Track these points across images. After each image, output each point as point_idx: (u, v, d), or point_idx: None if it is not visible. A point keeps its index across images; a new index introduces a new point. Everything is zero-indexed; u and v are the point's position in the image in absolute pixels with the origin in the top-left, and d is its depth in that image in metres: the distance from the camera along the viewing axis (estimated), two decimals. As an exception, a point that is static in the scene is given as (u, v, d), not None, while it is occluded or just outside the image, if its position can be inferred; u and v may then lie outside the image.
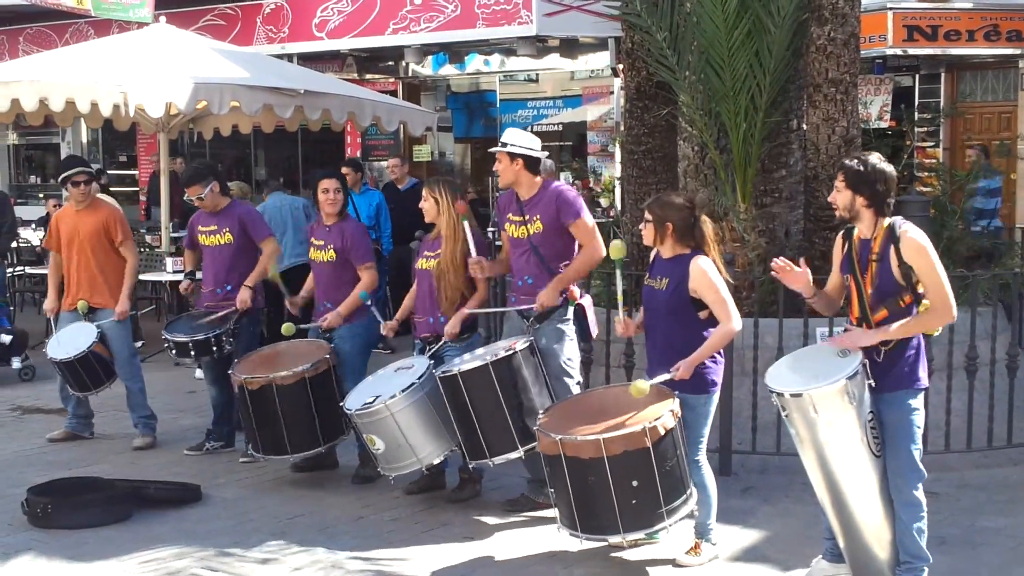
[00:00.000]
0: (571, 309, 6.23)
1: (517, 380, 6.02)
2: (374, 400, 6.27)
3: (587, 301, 6.35)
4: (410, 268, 8.52)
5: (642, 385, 5.20)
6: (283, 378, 6.72)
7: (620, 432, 5.13)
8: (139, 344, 10.38)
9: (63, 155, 20.74)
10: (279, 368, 6.80)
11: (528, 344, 6.10)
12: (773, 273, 5.16)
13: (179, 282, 8.76)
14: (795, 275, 5.06)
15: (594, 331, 6.46)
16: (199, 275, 8.04)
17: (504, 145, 6.29)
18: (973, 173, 10.74)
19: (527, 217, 6.28)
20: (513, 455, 6.05)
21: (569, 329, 6.28)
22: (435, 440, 6.32)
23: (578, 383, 6.33)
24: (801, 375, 4.90)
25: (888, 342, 4.85)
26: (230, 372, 7.04)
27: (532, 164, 6.30)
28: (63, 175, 7.97)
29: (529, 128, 16.82)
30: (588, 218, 6.25)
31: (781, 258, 5.12)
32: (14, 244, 14.22)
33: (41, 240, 14.65)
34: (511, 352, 6.02)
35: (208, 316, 7.53)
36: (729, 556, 5.67)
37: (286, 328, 7.08)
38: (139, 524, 6.25)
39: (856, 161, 4.91)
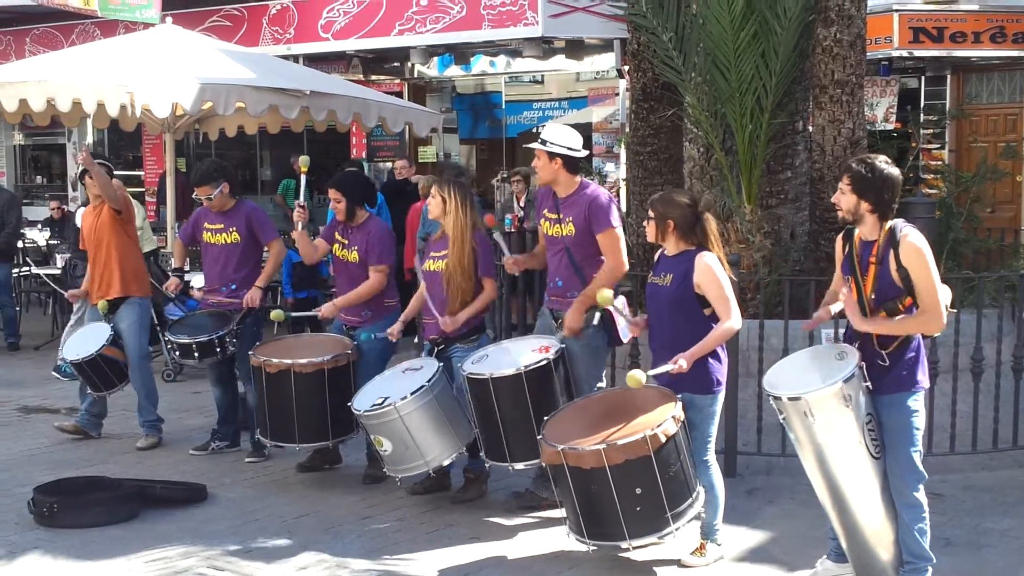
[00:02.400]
0: (598, 315, 6.11)
1: (546, 389, 5.99)
2: (383, 401, 6.26)
3: (619, 303, 6.12)
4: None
5: (638, 375, 5.18)
6: (302, 366, 6.73)
7: (621, 442, 5.13)
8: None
9: (69, 157, 20.81)
10: (300, 356, 6.81)
11: (559, 352, 6.06)
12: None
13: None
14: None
15: (625, 336, 6.23)
16: (188, 276, 8.07)
17: (544, 143, 6.16)
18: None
19: (562, 216, 6.20)
20: (535, 462, 6.01)
21: (596, 336, 6.18)
22: (443, 443, 6.32)
23: (599, 389, 6.30)
24: (799, 378, 4.91)
25: (889, 345, 4.85)
26: (250, 353, 7.04)
27: (571, 164, 6.19)
28: (82, 168, 8.06)
29: (535, 130, 16.85)
30: (618, 230, 6.14)
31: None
32: (20, 244, 14.25)
33: (47, 240, 14.74)
34: (544, 361, 5.98)
35: (213, 315, 7.56)
36: (734, 557, 5.68)
37: (276, 314, 7.14)
38: (145, 523, 6.26)
39: (863, 166, 4.86)
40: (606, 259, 6.13)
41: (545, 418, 5.68)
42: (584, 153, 6.28)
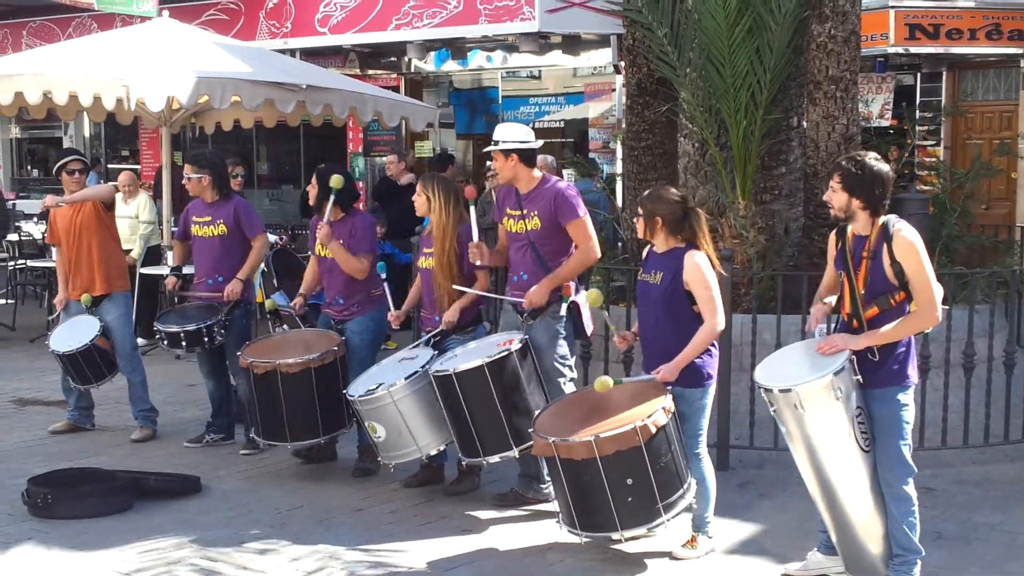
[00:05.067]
0: (564, 306, 6.18)
1: (512, 380, 6.01)
2: (377, 387, 6.30)
3: (582, 297, 6.29)
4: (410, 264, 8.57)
5: (605, 380, 5.28)
6: (289, 366, 6.73)
7: (612, 432, 5.16)
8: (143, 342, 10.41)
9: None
10: (287, 355, 6.82)
11: (522, 343, 6.09)
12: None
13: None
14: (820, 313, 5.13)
15: (588, 328, 6.38)
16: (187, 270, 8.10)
17: (496, 143, 6.23)
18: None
19: (525, 212, 6.24)
20: (507, 454, 6.07)
21: (563, 326, 6.24)
22: (436, 430, 6.35)
23: (571, 380, 6.31)
24: (790, 371, 4.94)
25: None
26: (238, 354, 7.06)
27: (528, 157, 6.23)
28: (58, 164, 8.08)
29: (531, 125, 16.87)
30: (586, 218, 6.19)
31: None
32: (15, 237, 14.26)
33: (43, 234, 14.75)
34: (506, 353, 6.00)
35: (201, 307, 7.58)
36: (725, 549, 5.71)
37: (269, 304, 7.19)
38: (139, 515, 6.28)
39: (853, 164, 4.90)
40: (578, 246, 6.17)
41: (536, 412, 5.71)
42: (538, 144, 6.32)
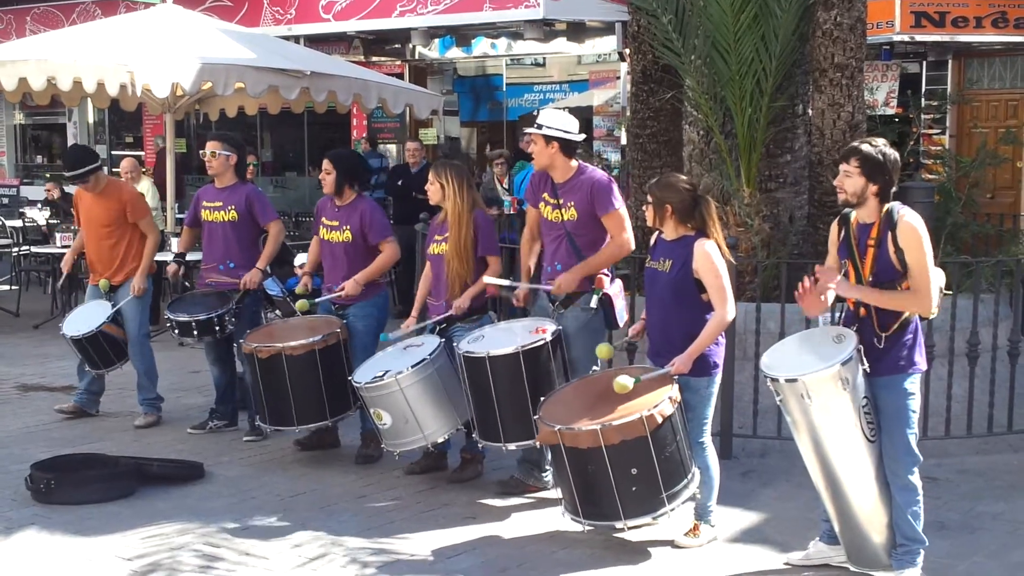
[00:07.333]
0: (596, 298, 6.07)
1: (542, 369, 5.98)
2: (384, 374, 6.29)
3: (615, 288, 6.18)
4: (414, 250, 8.56)
5: (625, 381, 5.22)
6: (293, 348, 6.73)
7: (617, 422, 5.14)
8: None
9: (69, 136, 20.80)
10: (290, 340, 6.82)
11: (556, 333, 6.06)
12: (797, 295, 5.02)
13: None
14: (814, 301, 4.97)
15: (621, 320, 6.25)
16: (190, 257, 8.09)
17: (539, 127, 6.12)
18: None
19: (562, 202, 6.17)
20: (529, 443, 6.04)
21: (593, 318, 6.18)
22: (442, 418, 6.34)
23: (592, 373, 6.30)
24: (796, 360, 4.92)
25: (887, 328, 4.85)
26: (240, 342, 7.06)
27: (568, 148, 6.15)
28: (70, 175, 8.00)
29: (535, 112, 16.82)
30: (622, 210, 6.13)
31: (807, 281, 4.97)
32: (20, 223, 14.27)
33: (47, 220, 14.76)
34: (541, 342, 5.97)
35: (211, 294, 7.57)
36: (728, 538, 5.70)
37: (300, 305, 7.12)
38: (142, 501, 6.29)
39: (874, 149, 4.83)
40: (613, 238, 6.12)
41: (542, 398, 5.70)
42: (581, 137, 6.24)
